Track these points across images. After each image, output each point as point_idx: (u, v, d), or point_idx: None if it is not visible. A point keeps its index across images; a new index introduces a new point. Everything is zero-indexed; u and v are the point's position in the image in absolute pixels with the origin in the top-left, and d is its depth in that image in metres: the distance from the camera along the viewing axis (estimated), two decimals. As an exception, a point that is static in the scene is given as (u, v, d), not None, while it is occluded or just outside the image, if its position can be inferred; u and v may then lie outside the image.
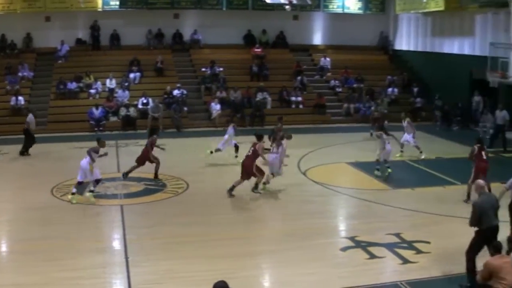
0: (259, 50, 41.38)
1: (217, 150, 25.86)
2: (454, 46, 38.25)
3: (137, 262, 14.64)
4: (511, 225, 15.49)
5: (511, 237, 12.33)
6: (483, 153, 20.33)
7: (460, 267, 14.20)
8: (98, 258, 14.88)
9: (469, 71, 36.13)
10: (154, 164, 22.89)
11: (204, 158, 26.13)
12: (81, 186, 20.25)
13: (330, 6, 43.79)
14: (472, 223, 13.65)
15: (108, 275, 14.18)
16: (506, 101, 31.11)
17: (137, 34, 40.68)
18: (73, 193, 19.88)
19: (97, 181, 20.23)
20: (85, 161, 19.98)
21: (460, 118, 35.66)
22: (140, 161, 22.89)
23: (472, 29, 36.38)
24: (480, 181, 14.35)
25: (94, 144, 20.67)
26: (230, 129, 26.37)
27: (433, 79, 40.15)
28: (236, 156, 25.60)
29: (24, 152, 27.68)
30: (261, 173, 21.17)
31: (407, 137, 26.94)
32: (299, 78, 39.76)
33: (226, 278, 10.17)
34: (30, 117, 28.30)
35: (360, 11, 44.40)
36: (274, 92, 38.21)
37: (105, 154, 20.83)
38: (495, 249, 12.08)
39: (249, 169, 20.76)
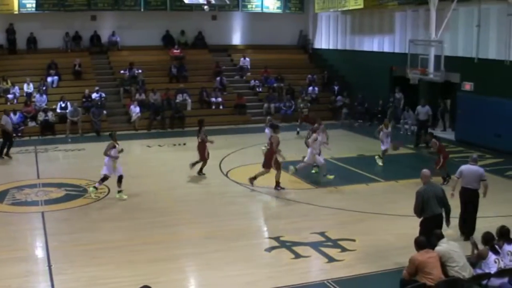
0: (178, 51, 41.13)
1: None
2: (374, 43, 38.78)
3: (61, 270, 14.38)
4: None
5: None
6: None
7: (386, 263, 14.65)
8: (20, 267, 14.55)
9: (389, 69, 36.70)
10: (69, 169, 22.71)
11: (125, 162, 26.07)
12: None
13: (249, 6, 43.78)
14: (415, 211, 14.25)
15: (32, 284, 13.93)
16: (425, 98, 31.64)
17: (54, 37, 39.96)
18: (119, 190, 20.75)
19: (119, 178, 20.66)
20: (107, 159, 20.46)
21: (381, 115, 36.04)
22: (203, 157, 23.48)
23: (392, 26, 36.97)
24: (426, 171, 14.78)
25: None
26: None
27: (353, 77, 40.62)
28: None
29: (7, 152, 27.64)
30: (279, 167, 21.78)
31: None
32: (218, 78, 39.64)
33: (150, 283, 10.19)
34: (4, 117, 27.98)
35: (279, 11, 44.53)
36: (194, 94, 37.94)
37: (121, 150, 20.98)
38: (437, 237, 12.50)
39: (268, 161, 21.84)
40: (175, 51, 41.04)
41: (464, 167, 16.24)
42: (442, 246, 12.30)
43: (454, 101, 32.12)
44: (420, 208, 14.12)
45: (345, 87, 40.41)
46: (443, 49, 29.73)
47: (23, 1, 38.14)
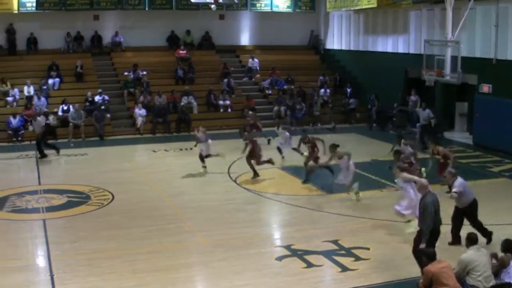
0: (183, 52, 40.48)
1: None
2: (388, 44, 38.05)
3: (63, 280, 14.07)
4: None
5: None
6: None
7: (401, 273, 14.38)
8: (21, 277, 14.26)
9: (404, 70, 36.01)
10: None
11: (129, 168, 25.49)
12: None
13: (258, 5, 43.07)
14: (431, 223, 13.53)
15: (33, 294, 13.48)
16: (441, 100, 31.38)
17: (55, 37, 39.30)
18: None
19: None
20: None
21: (395, 118, 35.11)
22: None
23: (406, 26, 36.27)
24: (425, 181, 14.31)
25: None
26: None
27: (366, 79, 39.84)
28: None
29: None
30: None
31: None
32: (226, 80, 38.93)
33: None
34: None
35: (290, 10, 43.81)
36: (200, 96, 37.30)
37: None
38: (471, 241, 12.43)
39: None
40: (181, 52, 40.37)
41: (463, 181, 15.85)
42: (469, 254, 12.18)
43: (472, 103, 31.37)
44: (432, 219, 13.48)
45: (359, 89, 39.69)
46: (460, 49, 29.07)
47: (23, 0, 37.47)
